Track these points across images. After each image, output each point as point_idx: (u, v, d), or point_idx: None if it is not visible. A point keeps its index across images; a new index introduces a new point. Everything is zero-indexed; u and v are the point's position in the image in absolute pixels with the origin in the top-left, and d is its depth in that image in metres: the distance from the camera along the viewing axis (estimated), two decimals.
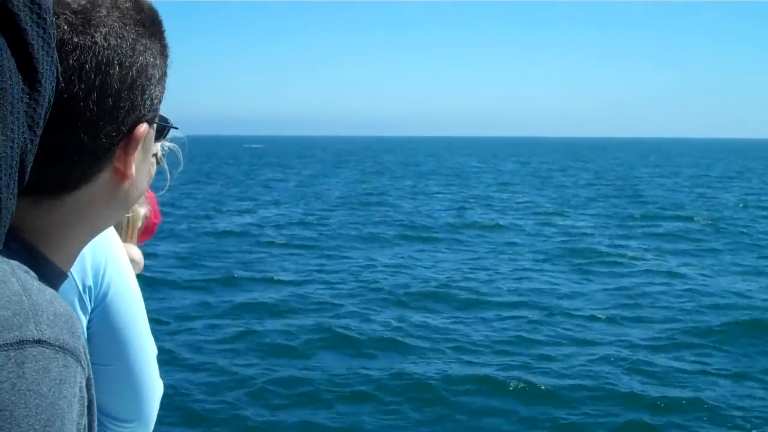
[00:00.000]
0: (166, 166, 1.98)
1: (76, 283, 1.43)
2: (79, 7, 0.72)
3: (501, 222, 20.92)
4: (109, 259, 1.48)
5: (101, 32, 0.72)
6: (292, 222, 20.84)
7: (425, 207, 25.81)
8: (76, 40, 0.71)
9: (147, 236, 2.32)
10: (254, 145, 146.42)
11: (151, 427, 1.63)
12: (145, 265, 2.27)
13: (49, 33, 0.60)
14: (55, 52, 0.64)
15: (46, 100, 0.62)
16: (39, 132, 0.63)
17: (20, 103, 0.58)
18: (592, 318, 10.03)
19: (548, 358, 8.32)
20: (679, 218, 22.16)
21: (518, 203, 27.57)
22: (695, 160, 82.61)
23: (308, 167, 57.82)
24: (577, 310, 10.41)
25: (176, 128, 0.89)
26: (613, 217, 22.86)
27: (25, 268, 0.69)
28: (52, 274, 0.77)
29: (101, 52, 0.72)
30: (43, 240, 0.76)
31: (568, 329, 9.52)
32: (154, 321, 9.07)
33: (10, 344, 0.60)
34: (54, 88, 0.64)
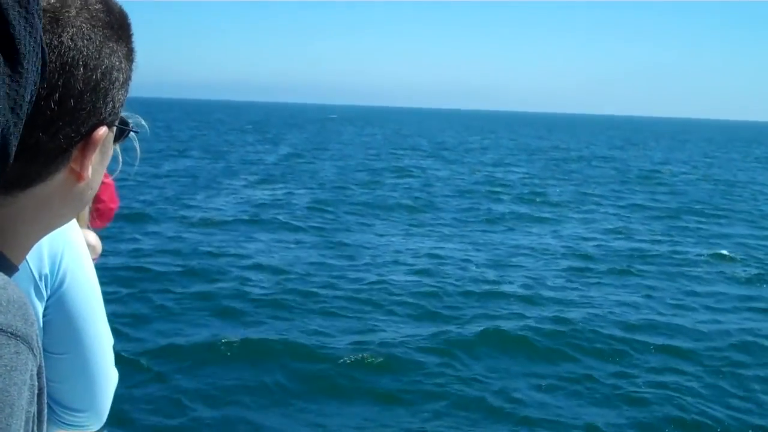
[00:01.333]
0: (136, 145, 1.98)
1: (31, 271, 1.42)
2: (49, 6, 0.72)
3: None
4: (67, 248, 1.48)
5: (68, 33, 0.72)
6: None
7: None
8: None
9: (105, 221, 2.30)
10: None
11: (104, 417, 1.62)
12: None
13: (32, 13, 0.59)
14: (40, 34, 0.62)
15: (30, 82, 0.61)
16: (23, 115, 0.62)
17: (0, 84, 0.57)
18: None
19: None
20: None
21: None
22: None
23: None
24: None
25: (137, 132, 0.89)
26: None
27: None
28: (5, 268, 0.77)
29: (67, 53, 0.72)
30: None
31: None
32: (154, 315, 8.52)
33: None
34: (39, 71, 0.63)
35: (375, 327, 8.84)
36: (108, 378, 1.58)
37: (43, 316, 1.47)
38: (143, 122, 2.02)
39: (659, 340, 8.76)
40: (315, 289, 10.24)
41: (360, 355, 7.68)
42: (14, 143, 0.61)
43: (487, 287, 10.85)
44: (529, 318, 9.31)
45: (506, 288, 10.88)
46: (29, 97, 0.62)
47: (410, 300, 10.00)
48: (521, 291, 10.73)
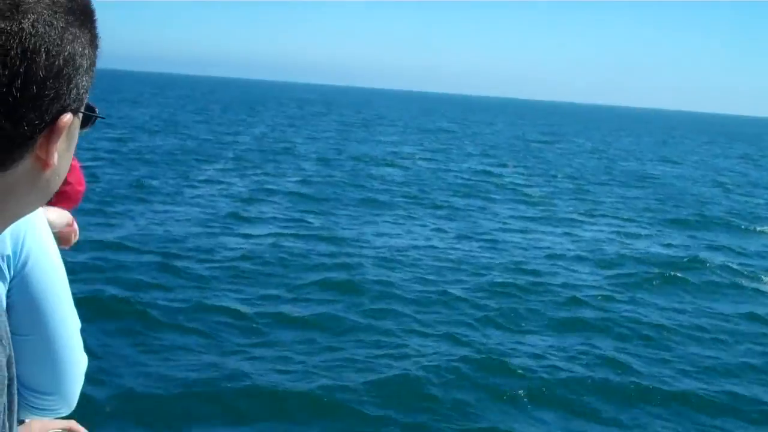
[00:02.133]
0: None
1: None
2: None
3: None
4: (29, 229, 1.46)
5: (29, 19, 0.71)
6: None
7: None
8: (2, 25, 0.69)
9: (71, 204, 2.25)
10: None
11: (73, 401, 1.61)
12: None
13: None
14: None
15: None
16: None
17: None
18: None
19: None
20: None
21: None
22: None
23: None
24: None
25: (102, 118, 0.88)
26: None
27: None
28: None
29: (28, 39, 0.71)
30: None
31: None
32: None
33: None
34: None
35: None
36: (75, 362, 1.57)
37: (7, 297, 1.46)
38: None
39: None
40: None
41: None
42: None
43: None
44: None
45: None
46: None
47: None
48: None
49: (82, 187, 2.29)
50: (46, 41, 0.72)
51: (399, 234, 14.00)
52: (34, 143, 0.75)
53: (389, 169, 25.36)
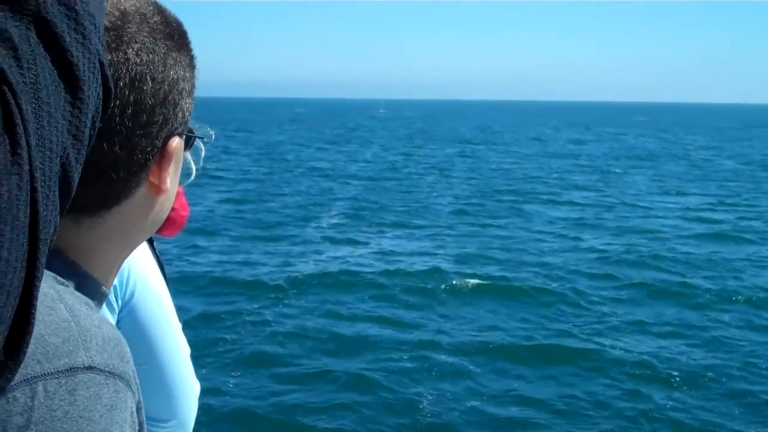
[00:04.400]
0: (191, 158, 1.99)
1: None
2: (111, 24, 0.72)
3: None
4: (133, 260, 1.49)
5: (133, 48, 0.72)
6: None
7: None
8: (109, 57, 0.70)
9: (175, 229, 2.28)
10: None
11: (190, 426, 1.64)
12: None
13: (88, 38, 0.59)
14: (97, 56, 0.61)
15: (90, 108, 0.61)
16: (85, 142, 0.61)
17: (60, 112, 0.56)
18: None
19: None
20: None
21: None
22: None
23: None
24: None
25: (203, 138, 0.89)
26: None
27: (71, 290, 0.69)
28: (94, 291, 0.77)
29: (134, 68, 0.72)
30: (85, 257, 0.76)
31: None
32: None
33: (61, 371, 0.60)
34: (100, 96, 0.62)
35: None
36: (187, 387, 1.59)
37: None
38: (210, 130, 2.04)
39: None
40: None
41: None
42: (77, 172, 0.60)
43: None
44: None
45: None
46: (90, 124, 0.61)
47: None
48: None
49: (186, 212, 2.33)
50: (150, 69, 0.73)
51: None
52: (148, 170, 0.77)
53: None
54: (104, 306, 1.45)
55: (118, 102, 0.71)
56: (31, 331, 0.51)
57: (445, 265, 11.40)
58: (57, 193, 0.57)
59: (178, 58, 0.77)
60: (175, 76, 0.76)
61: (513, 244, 13.35)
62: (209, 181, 20.80)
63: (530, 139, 49.49)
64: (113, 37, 0.71)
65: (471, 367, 7.32)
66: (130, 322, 1.50)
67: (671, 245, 13.38)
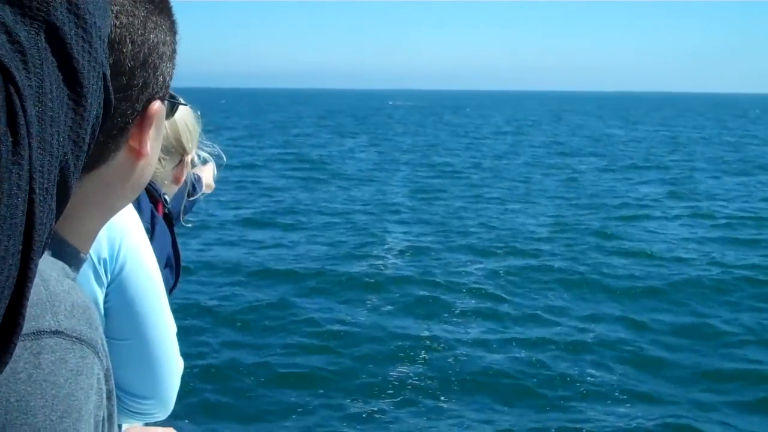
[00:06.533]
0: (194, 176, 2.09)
1: (91, 256, 1.43)
2: None
3: None
4: (126, 233, 1.48)
5: (112, 11, 0.71)
6: None
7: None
8: None
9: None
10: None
11: (171, 405, 1.63)
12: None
13: (95, 49, 0.59)
14: (102, 67, 0.62)
15: (92, 116, 0.61)
16: (85, 149, 0.61)
17: (63, 118, 0.57)
18: None
19: None
20: None
21: None
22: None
23: None
24: None
25: (185, 104, 0.88)
26: None
27: (46, 255, 0.68)
28: (71, 256, 0.77)
29: (113, 31, 0.71)
30: (62, 222, 0.75)
31: None
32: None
33: (27, 335, 0.60)
34: (102, 104, 0.63)
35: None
36: (171, 366, 1.58)
37: (105, 302, 1.48)
38: (221, 153, 2.15)
39: None
40: None
41: None
42: (74, 177, 0.61)
43: None
44: None
45: None
46: (90, 130, 0.61)
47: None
48: None
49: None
50: (130, 31, 0.72)
51: None
52: (128, 133, 0.76)
53: None
54: (93, 279, 1.45)
55: None
56: (20, 332, 0.51)
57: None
58: (54, 197, 0.58)
59: (159, 22, 0.76)
60: (156, 40, 0.75)
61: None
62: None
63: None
64: None
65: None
66: (119, 296, 1.49)
67: None
